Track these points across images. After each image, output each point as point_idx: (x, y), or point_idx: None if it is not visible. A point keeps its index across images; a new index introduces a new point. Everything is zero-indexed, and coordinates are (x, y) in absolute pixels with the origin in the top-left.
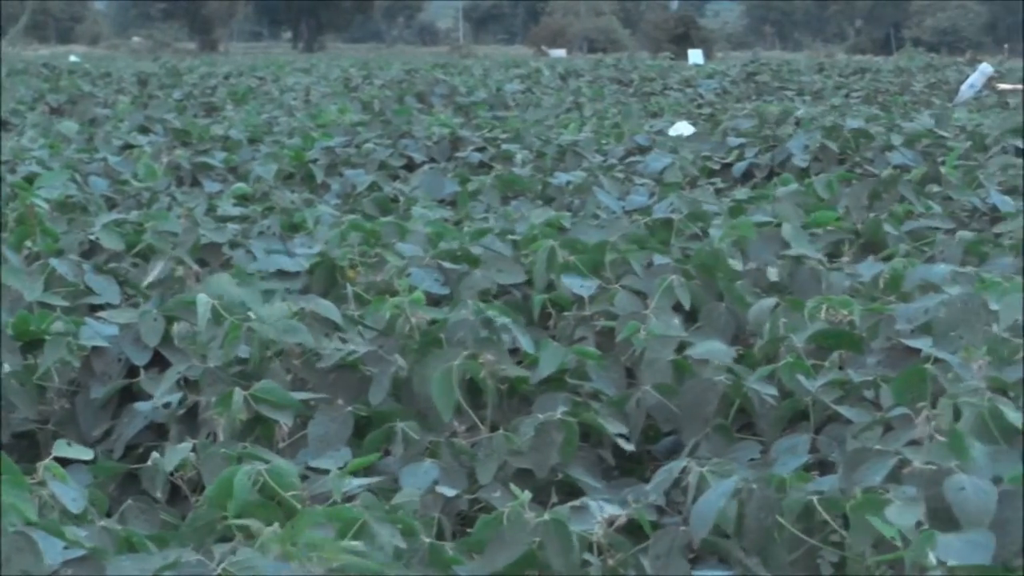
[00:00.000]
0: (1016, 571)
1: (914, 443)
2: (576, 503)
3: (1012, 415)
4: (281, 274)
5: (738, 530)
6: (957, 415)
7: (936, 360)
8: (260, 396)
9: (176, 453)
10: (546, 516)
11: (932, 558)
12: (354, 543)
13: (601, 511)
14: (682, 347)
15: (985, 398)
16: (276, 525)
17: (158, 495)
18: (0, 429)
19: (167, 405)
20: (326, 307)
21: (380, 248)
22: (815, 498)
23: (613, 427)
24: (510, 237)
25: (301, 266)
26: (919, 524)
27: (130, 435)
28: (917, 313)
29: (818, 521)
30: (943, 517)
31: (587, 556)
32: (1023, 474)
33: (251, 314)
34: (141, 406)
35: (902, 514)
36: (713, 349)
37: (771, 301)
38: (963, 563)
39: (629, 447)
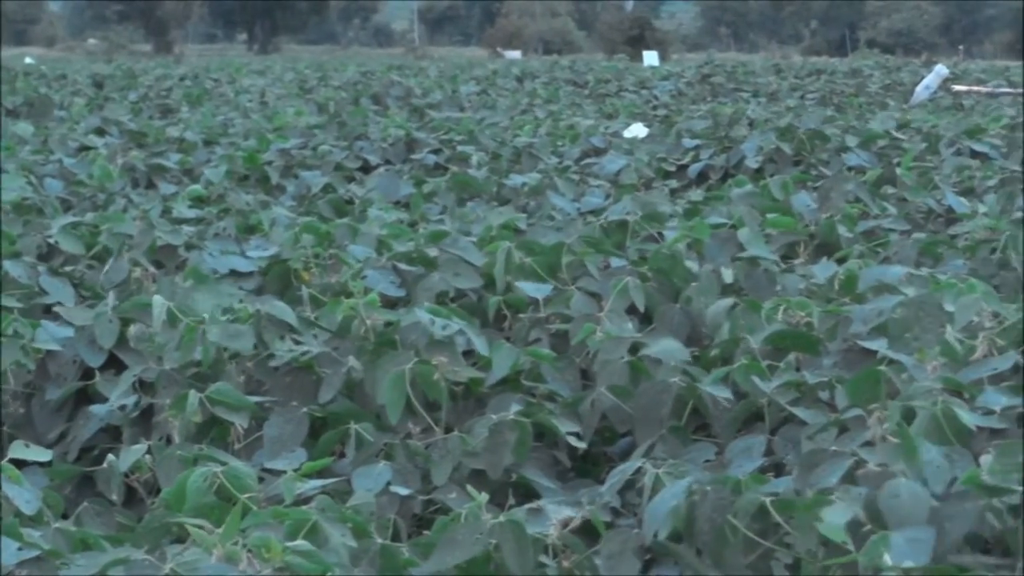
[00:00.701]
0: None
1: (869, 444)
2: (532, 505)
3: (966, 416)
4: (236, 275)
5: (691, 531)
6: (909, 417)
7: (891, 362)
8: (215, 398)
9: (131, 455)
10: (502, 518)
11: (887, 559)
12: (301, 543)
13: (557, 513)
14: (637, 349)
15: (939, 399)
16: (224, 525)
17: (113, 497)
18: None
19: (123, 407)
20: (281, 309)
21: (335, 250)
22: (768, 500)
23: (565, 426)
24: (466, 239)
25: (255, 266)
26: (860, 525)
27: (85, 438)
28: (873, 314)
29: (772, 523)
30: (878, 520)
31: (542, 558)
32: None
33: (205, 316)
34: (96, 409)
35: (837, 514)
36: (668, 348)
37: (727, 302)
38: (905, 563)
39: (581, 445)
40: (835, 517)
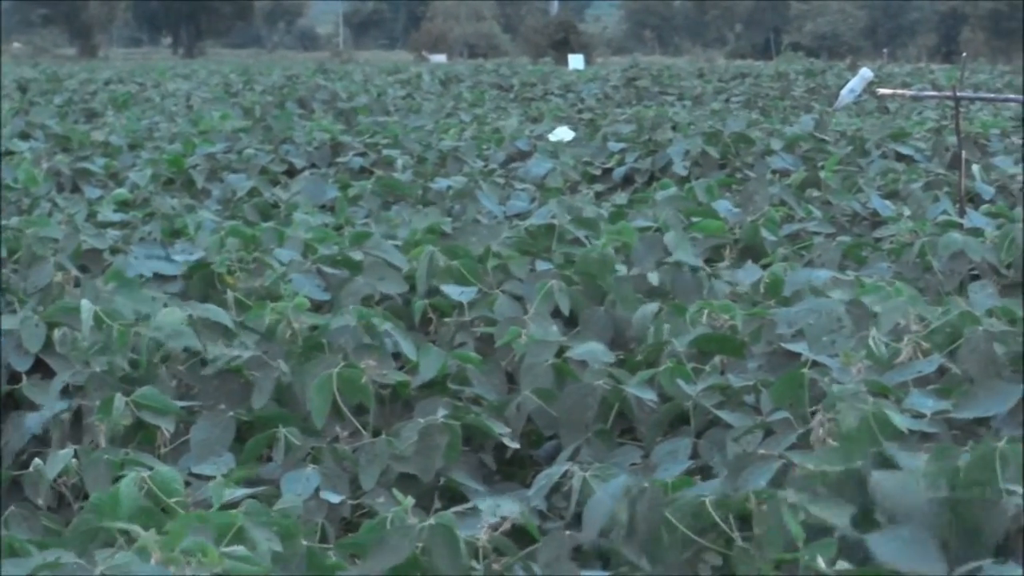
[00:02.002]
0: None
1: (796, 447)
2: (461, 508)
3: (897, 419)
4: (160, 279)
5: (629, 532)
6: (844, 419)
7: (815, 364)
8: (141, 402)
9: (58, 460)
10: (432, 520)
11: (821, 562)
12: (235, 547)
13: (492, 513)
14: (562, 352)
15: (869, 402)
16: (154, 530)
17: (40, 502)
18: None
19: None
20: (215, 312)
21: (259, 253)
22: (707, 499)
23: (497, 427)
24: (391, 242)
25: (180, 270)
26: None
27: (18, 446)
28: (797, 317)
29: (708, 523)
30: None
31: (472, 562)
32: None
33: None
34: (31, 419)
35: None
36: (591, 349)
37: (653, 306)
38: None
39: (514, 445)
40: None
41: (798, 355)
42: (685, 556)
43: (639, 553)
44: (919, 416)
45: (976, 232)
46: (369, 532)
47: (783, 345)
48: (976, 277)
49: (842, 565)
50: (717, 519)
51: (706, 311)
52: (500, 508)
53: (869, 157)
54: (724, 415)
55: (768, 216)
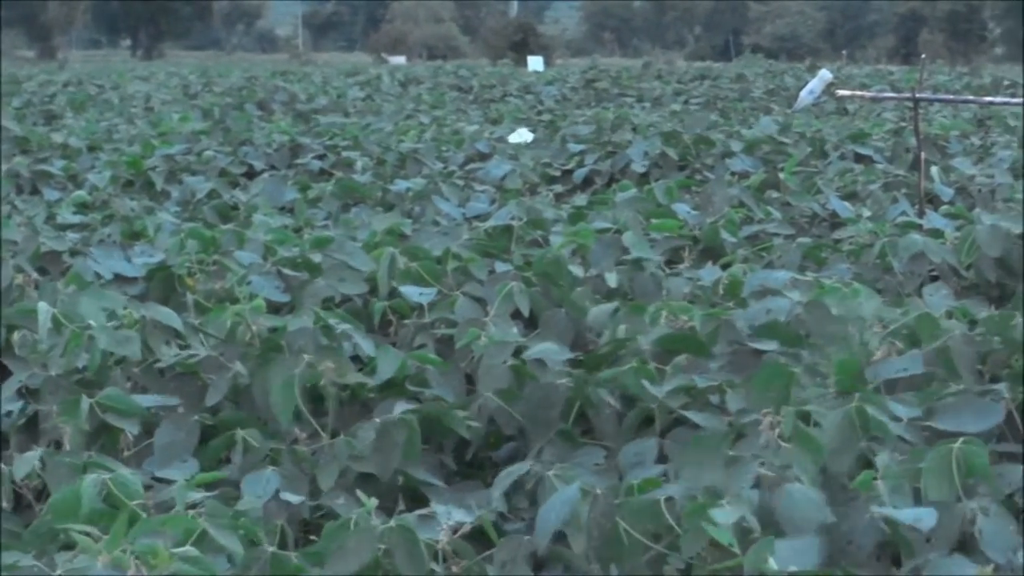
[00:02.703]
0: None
1: (769, 448)
2: (422, 511)
3: (880, 418)
4: (120, 281)
5: (583, 535)
6: (805, 420)
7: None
8: (106, 404)
9: (24, 462)
10: (393, 523)
11: (771, 563)
12: (188, 549)
13: (448, 518)
14: (521, 353)
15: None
16: (112, 532)
17: (3, 504)
18: None
19: (8, 414)
20: (166, 314)
21: (219, 255)
22: (662, 500)
23: (458, 422)
24: (351, 244)
25: (139, 271)
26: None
27: None
28: (759, 317)
29: (665, 526)
30: (772, 524)
31: (432, 564)
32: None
33: (91, 322)
34: None
35: (726, 515)
36: (547, 349)
37: (611, 306)
38: (791, 568)
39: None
40: (725, 518)
41: (761, 355)
42: (644, 559)
43: (595, 557)
44: (895, 419)
45: (936, 233)
46: (331, 535)
47: (749, 344)
48: (936, 278)
49: None
50: (671, 521)
51: (664, 312)
52: (458, 511)
53: (828, 158)
54: (691, 415)
55: (728, 217)
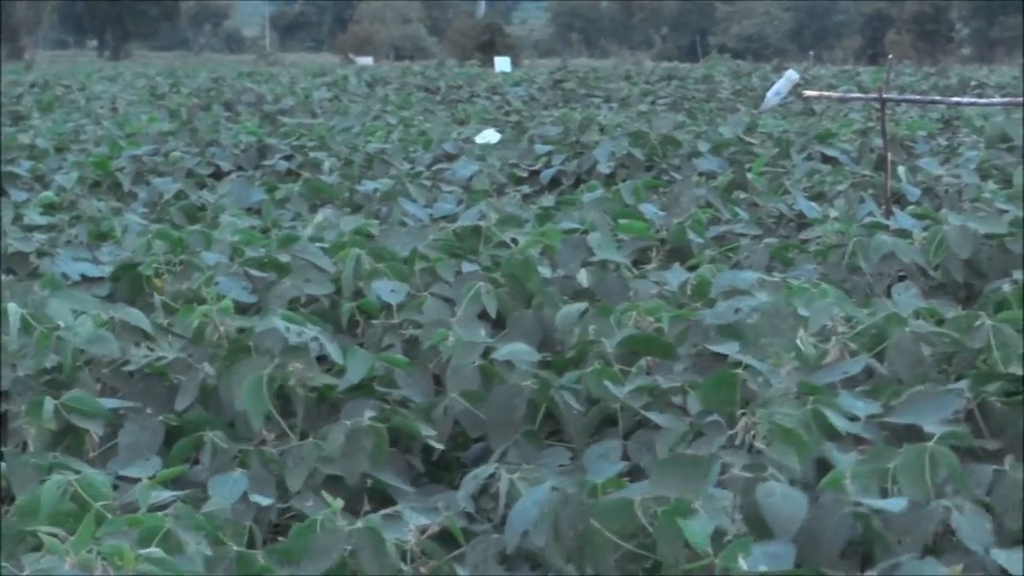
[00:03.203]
0: None
1: (727, 448)
2: (389, 511)
3: (836, 420)
4: (87, 281)
5: (555, 535)
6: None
7: (745, 366)
8: (70, 405)
9: None
10: (360, 524)
11: (742, 564)
12: (153, 550)
13: (415, 519)
14: (489, 354)
15: (807, 401)
16: (79, 533)
17: None
18: None
19: None
20: (135, 315)
21: (186, 256)
22: (636, 500)
23: (424, 429)
24: (318, 245)
25: (105, 272)
26: (723, 534)
27: None
28: (724, 319)
29: (637, 526)
30: (756, 523)
31: (400, 565)
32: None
33: (61, 323)
34: None
35: (707, 522)
36: (516, 350)
37: (579, 307)
38: (767, 571)
39: (439, 446)
40: (702, 524)
41: (724, 356)
42: (612, 559)
43: (565, 557)
44: (854, 418)
45: (903, 234)
46: (299, 536)
47: (710, 347)
48: (903, 279)
49: None
50: (644, 522)
51: (633, 313)
52: (426, 512)
53: (795, 159)
54: (653, 416)
55: (695, 218)
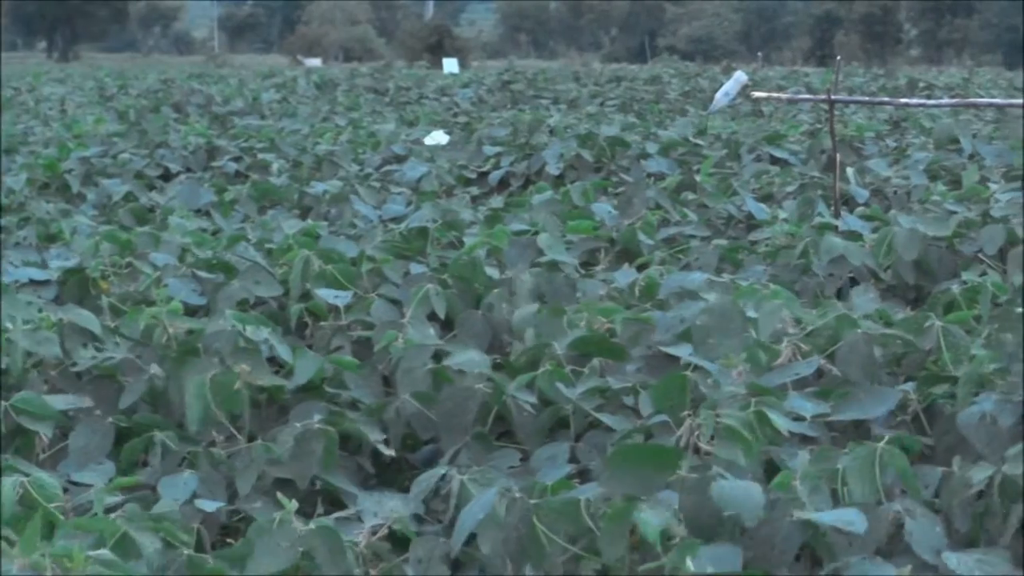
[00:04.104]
0: None
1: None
2: (341, 514)
3: (779, 421)
4: (35, 283)
5: (501, 538)
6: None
7: (696, 367)
8: (20, 407)
9: None
10: (314, 525)
11: (690, 565)
12: (103, 552)
13: (369, 518)
14: (439, 355)
15: (751, 403)
16: (28, 535)
17: None
18: None
19: None
20: (84, 317)
21: (134, 258)
22: (582, 502)
23: (372, 433)
24: (267, 246)
25: (52, 275)
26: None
27: None
28: (676, 321)
29: (583, 528)
30: (706, 523)
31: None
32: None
33: (9, 325)
34: None
35: (651, 519)
36: (470, 359)
37: (531, 308)
38: (711, 570)
39: (389, 452)
40: (650, 522)
41: (676, 358)
42: (560, 561)
43: (513, 559)
44: (799, 418)
45: (853, 235)
46: (253, 537)
47: (662, 348)
48: (853, 280)
49: None
50: (589, 523)
51: (585, 314)
52: (378, 513)
53: (743, 160)
54: (604, 418)
55: (646, 219)
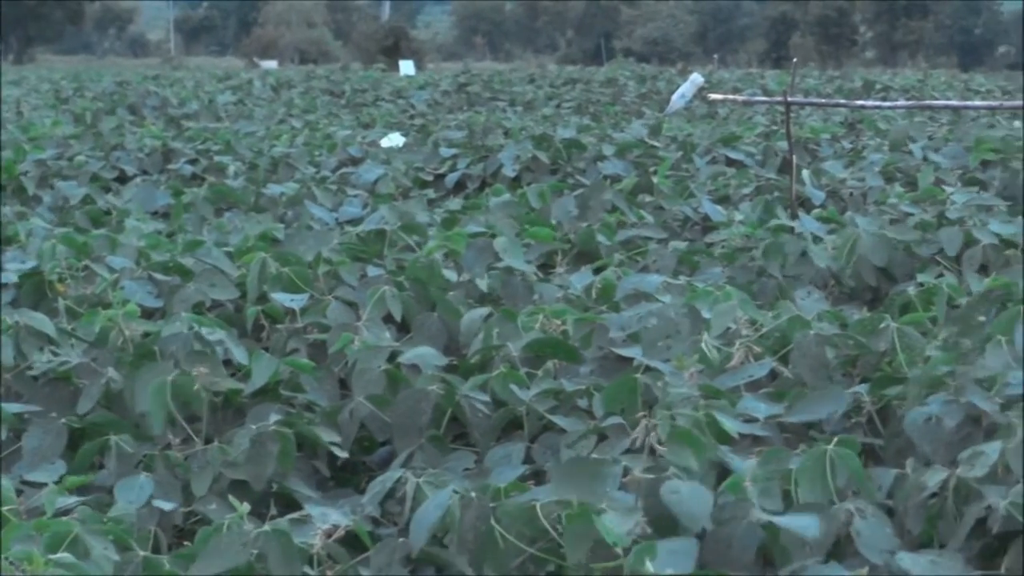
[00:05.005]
0: None
1: (630, 452)
2: (295, 515)
3: (728, 423)
4: None
5: (457, 539)
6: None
7: (648, 369)
8: None
9: None
10: (267, 527)
11: (649, 566)
12: (63, 555)
13: (322, 522)
14: (395, 357)
15: (700, 405)
16: None
17: None
18: None
19: None
20: (39, 320)
21: (90, 261)
22: (537, 505)
23: (327, 436)
24: (224, 249)
25: (10, 279)
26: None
27: None
28: (629, 322)
29: (539, 529)
30: (662, 524)
31: (306, 569)
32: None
33: None
34: None
35: (618, 523)
36: (423, 353)
37: (483, 311)
38: (670, 572)
39: (343, 454)
40: (618, 526)
41: (630, 360)
42: (516, 562)
43: (468, 560)
44: (751, 420)
45: (811, 237)
46: (205, 539)
47: (615, 350)
48: (810, 282)
49: None
50: (547, 525)
51: (540, 316)
52: (332, 515)
53: (698, 163)
54: (558, 419)
55: (604, 222)
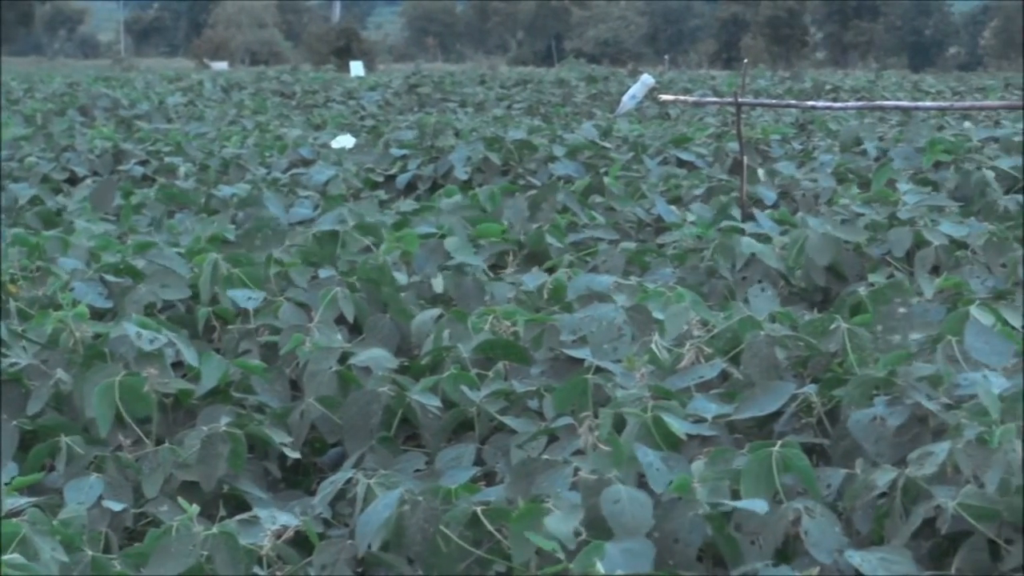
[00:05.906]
0: None
1: (580, 453)
2: (245, 516)
3: (675, 424)
4: None
5: (403, 541)
6: (621, 425)
7: (599, 369)
8: None
9: None
10: (215, 529)
11: (599, 567)
12: (14, 556)
13: (271, 523)
14: (346, 359)
15: (648, 407)
16: None
17: None
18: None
19: None
20: None
21: (42, 262)
22: (480, 509)
23: (278, 437)
24: (175, 250)
25: None
26: (578, 534)
27: None
28: (580, 323)
29: (486, 531)
30: (602, 526)
31: (255, 569)
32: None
33: None
34: None
35: (560, 523)
36: (375, 355)
37: (434, 312)
38: (624, 573)
39: (295, 455)
40: (560, 527)
41: (581, 360)
42: (463, 565)
43: (416, 563)
44: (701, 420)
45: (761, 238)
46: (154, 541)
47: (565, 351)
48: (761, 283)
49: None
50: (491, 529)
51: (490, 317)
52: (281, 516)
53: (649, 164)
54: (508, 421)
55: (555, 223)
